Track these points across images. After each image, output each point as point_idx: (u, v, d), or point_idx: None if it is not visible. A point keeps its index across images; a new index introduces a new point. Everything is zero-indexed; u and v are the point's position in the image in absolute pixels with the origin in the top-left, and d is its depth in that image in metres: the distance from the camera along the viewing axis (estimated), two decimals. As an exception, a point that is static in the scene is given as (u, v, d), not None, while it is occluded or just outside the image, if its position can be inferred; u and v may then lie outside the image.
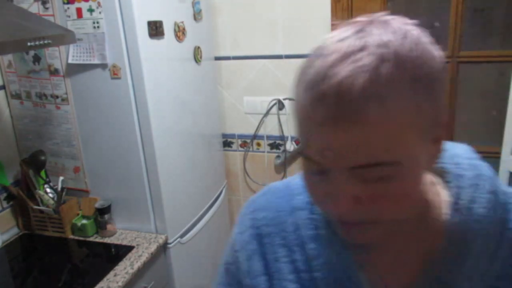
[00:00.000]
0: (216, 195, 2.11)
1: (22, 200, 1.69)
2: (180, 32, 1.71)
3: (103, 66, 1.50)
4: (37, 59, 1.60)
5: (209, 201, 2.02)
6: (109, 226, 1.66)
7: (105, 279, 1.41)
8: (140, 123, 1.55)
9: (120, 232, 1.69)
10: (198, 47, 1.87)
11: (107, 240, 1.64)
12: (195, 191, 1.89)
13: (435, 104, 0.46)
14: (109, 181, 1.66)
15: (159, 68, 1.58)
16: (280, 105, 2.08)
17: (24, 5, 1.52)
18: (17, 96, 1.70)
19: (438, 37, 1.85)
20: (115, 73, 1.50)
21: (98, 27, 1.46)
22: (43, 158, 1.66)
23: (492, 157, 1.80)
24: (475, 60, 1.82)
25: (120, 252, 1.56)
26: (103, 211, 1.64)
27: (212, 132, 2.09)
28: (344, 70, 0.42)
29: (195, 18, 1.83)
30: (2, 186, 1.69)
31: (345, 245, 0.57)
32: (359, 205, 0.46)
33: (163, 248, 1.68)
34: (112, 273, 1.44)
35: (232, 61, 2.12)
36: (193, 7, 1.82)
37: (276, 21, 1.98)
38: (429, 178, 0.58)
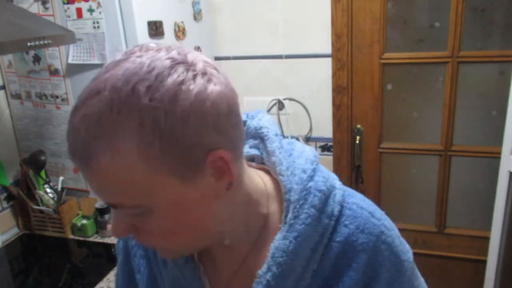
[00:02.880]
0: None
1: (22, 200, 1.69)
2: (180, 32, 1.71)
3: (103, 66, 1.50)
4: (37, 59, 1.60)
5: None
6: (109, 226, 1.66)
7: (105, 279, 1.41)
8: (140, 123, 1.55)
9: (120, 232, 1.69)
10: (198, 47, 1.87)
11: (107, 240, 1.64)
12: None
13: (176, 145, 0.44)
14: (109, 181, 1.66)
15: (159, 68, 1.58)
16: (280, 105, 2.08)
17: (24, 5, 1.52)
18: (17, 96, 1.70)
19: (438, 37, 1.84)
20: (115, 73, 1.50)
21: (98, 27, 1.46)
22: (43, 158, 1.66)
23: (492, 157, 1.80)
24: (475, 60, 1.82)
25: (120, 252, 1.56)
26: (103, 211, 1.64)
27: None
28: (77, 117, 0.45)
29: (195, 18, 1.83)
30: (2, 186, 1.69)
31: (187, 257, 0.60)
32: (136, 231, 0.51)
33: (163, 248, 1.68)
34: (112, 273, 1.44)
35: (232, 61, 2.11)
36: (193, 7, 1.82)
37: (276, 21, 1.98)
38: (272, 188, 0.59)
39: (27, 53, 1.61)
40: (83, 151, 0.45)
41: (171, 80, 0.44)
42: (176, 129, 0.43)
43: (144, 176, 0.44)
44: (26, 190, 1.70)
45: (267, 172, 0.61)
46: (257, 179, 0.59)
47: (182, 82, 0.44)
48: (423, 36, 1.88)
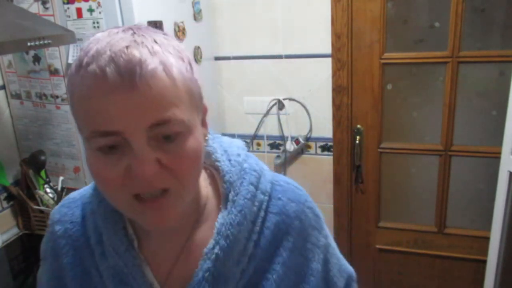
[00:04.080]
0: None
1: (22, 200, 1.69)
2: (180, 32, 1.71)
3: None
4: (37, 59, 1.60)
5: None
6: (109, 226, 1.66)
7: (105, 279, 1.40)
8: (140, 123, 1.55)
9: (120, 232, 1.69)
10: (198, 47, 1.87)
11: (107, 240, 1.64)
12: (195, 191, 1.89)
13: (197, 88, 0.55)
14: (109, 181, 1.66)
15: (159, 68, 1.58)
16: (280, 105, 2.08)
17: (24, 5, 1.52)
18: (17, 96, 1.70)
19: (438, 37, 1.84)
20: (115, 73, 1.50)
21: (98, 27, 1.46)
22: (43, 158, 1.66)
23: (492, 157, 1.80)
24: (475, 60, 1.82)
25: (120, 252, 1.56)
26: (103, 211, 1.64)
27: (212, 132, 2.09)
28: (123, 42, 0.48)
29: (195, 18, 1.83)
30: (2, 186, 1.69)
31: (128, 246, 0.62)
32: (162, 168, 0.51)
33: (163, 248, 1.68)
34: (112, 273, 1.44)
35: (232, 61, 2.12)
36: (193, 7, 1.82)
37: (276, 21, 1.98)
38: (204, 174, 0.66)
39: (27, 53, 1.61)
40: (141, 70, 0.47)
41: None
42: (193, 69, 0.55)
43: (188, 92, 0.52)
44: (26, 190, 1.70)
45: None
46: None
47: None
48: (423, 36, 1.88)
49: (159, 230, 0.62)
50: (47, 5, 1.50)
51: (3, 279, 1.49)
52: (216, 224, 0.61)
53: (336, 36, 1.89)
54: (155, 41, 0.50)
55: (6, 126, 1.74)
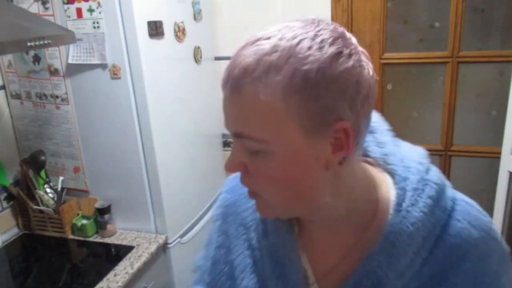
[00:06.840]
0: (216, 195, 2.11)
1: (22, 200, 1.69)
2: (180, 32, 1.71)
3: (103, 66, 1.50)
4: (37, 59, 1.60)
5: (209, 201, 2.03)
6: (109, 226, 1.66)
7: (105, 279, 1.41)
8: (140, 123, 1.55)
9: (120, 232, 1.69)
10: (198, 47, 1.87)
11: (107, 240, 1.64)
12: (195, 191, 1.89)
13: (314, 101, 0.49)
14: (109, 181, 1.66)
15: (159, 68, 1.58)
16: (280, 105, 2.08)
17: (24, 5, 1.52)
18: (17, 96, 1.70)
19: (438, 37, 1.83)
20: (115, 73, 1.50)
21: (98, 27, 1.46)
22: (43, 158, 1.66)
23: (492, 157, 1.80)
24: (475, 60, 1.82)
25: (120, 252, 1.56)
26: (103, 211, 1.64)
27: (212, 132, 2.09)
28: (244, 52, 0.52)
29: (195, 18, 1.83)
30: (2, 186, 1.69)
31: (289, 229, 0.64)
32: (245, 171, 0.55)
33: (163, 248, 1.68)
34: (112, 273, 1.44)
35: (232, 61, 2.11)
36: (193, 7, 1.82)
37: (276, 21, 1.98)
38: (379, 177, 0.63)
39: (27, 53, 1.61)
40: (236, 80, 0.51)
41: (331, 48, 0.50)
42: (320, 86, 0.49)
43: (278, 115, 0.50)
44: (26, 190, 1.70)
45: (370, 164, 0.66)
46: (366, 168, 0.63)
47: (339, 54, 0.50)
48: (423, 36, 1.88)
49: (321, 223, 0.63)
50: (47, 5, 1.50)
51: (3, 279, 1.49)
52: (383, 231, 0.57)
53: (336, 36, 1.89)
54: (276, 50, 0.50)
55: (6, 126, 1.74)
